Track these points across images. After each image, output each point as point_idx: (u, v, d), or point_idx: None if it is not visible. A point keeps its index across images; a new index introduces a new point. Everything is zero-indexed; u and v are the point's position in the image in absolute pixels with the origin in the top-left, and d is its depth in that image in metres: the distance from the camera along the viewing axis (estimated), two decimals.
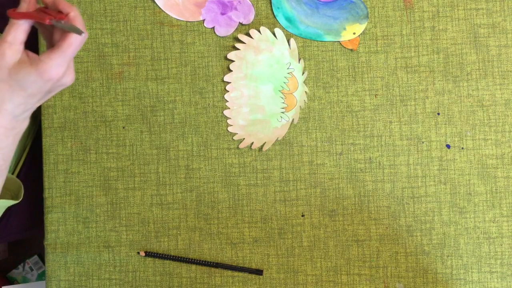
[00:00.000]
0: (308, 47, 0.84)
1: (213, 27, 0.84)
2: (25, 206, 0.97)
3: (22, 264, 1.58)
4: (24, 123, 0.59)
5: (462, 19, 0.84)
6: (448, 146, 0.83)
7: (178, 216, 0.84)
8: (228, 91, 0.84)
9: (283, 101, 0.83)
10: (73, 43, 0.55)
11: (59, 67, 0.55)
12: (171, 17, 0.84)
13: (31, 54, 0.56)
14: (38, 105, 0.58)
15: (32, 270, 1.57)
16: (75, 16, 0.56)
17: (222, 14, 0.84)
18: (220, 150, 0.84)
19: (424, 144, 0.83)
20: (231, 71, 0.84)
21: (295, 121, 0.83)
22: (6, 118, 0.56)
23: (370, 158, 0.83)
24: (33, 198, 0.94)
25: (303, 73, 0.84)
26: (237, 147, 0.84)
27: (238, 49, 0.84)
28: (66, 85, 0.58)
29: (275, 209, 0.83)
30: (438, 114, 0.83)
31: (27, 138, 0.93)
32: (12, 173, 0.92)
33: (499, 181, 0.83)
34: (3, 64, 0.54)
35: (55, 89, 0.58)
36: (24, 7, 0.55)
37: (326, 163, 0.83)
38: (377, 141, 0.83)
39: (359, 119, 0.84)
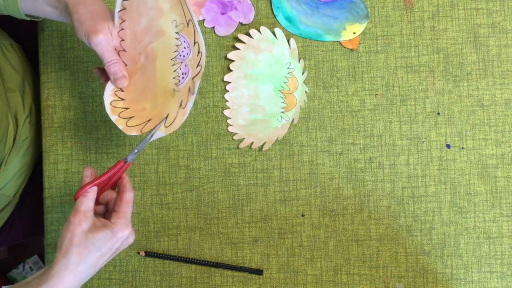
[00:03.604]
0: (308, 47, 0.84)
1: (213, 27, 0.84)
2: (28, 213, 0.97)
3: (22, 264, 1.58)
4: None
5: (462, 19, 0.84)
6: (448, 146, 0.83)
7: (178, 216, 0.84)
8: (228, 91, 0.84)
9: (283, 101, 0.83)
10: (129, 201, 0.66)
11: (127, 226, 0.64)
12: None
13: (101, 219, 0.64)
14: (102, 266, 0.65)
15: (32, 270, 1.57)
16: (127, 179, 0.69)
17: (222, 14, 0.84)
18: (220, 150, 0.84)
19: (424, 144, 0.83)
20: (231, 71, 0.84)
21: (295, 121, 0.83)
22: (75, 280, 0.62)
23: (370, 158, 0.83)
24: (35, 207, 0.94)
25: (303, 73, 0.84)
26: (237, 147, 0.84)
27: (238, 49, 0.84)
28: (129, 244, 0.66)
29: (275, 209, 0.83)
30: (438, 114, 0.83)
31: (33, 161, 0.93)
32: (17, 190, 0.93)
33: (499, 181, 0.83)
34: (80, 231, 0.62)
35: (119, 249, 0.65)
36: (88, 175, 0.66)
37: (326, 163, 0.83)
38: (377, 141, 0.83)
39: (359, 119, 0.84)
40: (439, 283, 0.82)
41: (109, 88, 0.72)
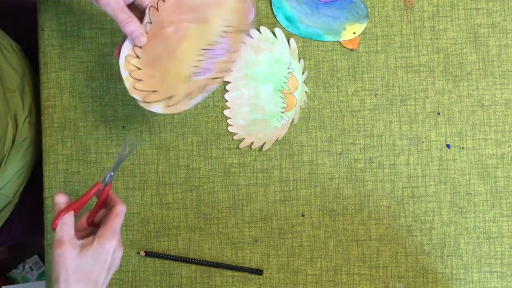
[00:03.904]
0: (308, 47, 0.84)
1: None
2: (28, 213, 0.97)
3: (22, 264, 1.58)
4: None
5: (462, 19, 0.84)
6: (448, 146, 0.83)
7: (178, 216, 0.84)
8: (228, 91, 0.84)
9: (283, 101, 0.83)
10: (119, 213, 0.64)
11: (113, 236, 0.62)
12: None
13: (87, 238, 0.63)
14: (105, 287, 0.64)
15: (32, 270, 1.57)
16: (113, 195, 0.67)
17: None
18: (220, 150, 0.84)
19: (424, 144, 0.83)
20: (231, 71, 0.83)
21: (295, 121, 0.83)
22: None
23: (370, 158, 0.83)
24: (35, 206, 0.94)
25: (303, 73, 0.84)
26: (237, 147, 0.84)
27: None
28: (119, 259, 0.64)
29: (275, 209, 0.83)
30: (438, 114, 0.83)
31: (33, 161, 0.93)
32: (18, 188, 0.92)
33: (499, 181, 0.83)
34: (72, 258, 0.60)
35: (112, 265, 0.63)
36: (62, 202, 0.64)
37: (326, 163, 0.83)
38: (377, 141, 0.83)
39: (359, 119, 0.84)
40: (439, 283, 0.82)
41: (128, 43, 0.71)
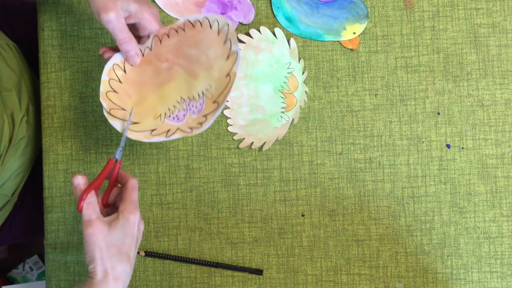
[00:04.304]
0: (308, 47, 0.84)
1: None
2: (27, 212, 0.97)
3: (22, 264, 1.58)
4: None
5: (462, 19, 0.84)
6: (448, 146, 0.83)
7: (178, 216, 0.84)
8: None
9: (283, 100, 0.83)
10: (133, 187, 0.65)
11: (135, 209, 0.64)
12: (171, 16, 0.84)
13: (112, 216, 0.64)
14: (134, 260, 0.65)
15: (32, 270, 1.57)
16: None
17: (222, 14, 0.84)
18: (220, 150, 0.84)
19: (424, 144, 0.83)
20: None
21: (295, 121, 0.83)
22: (119, 285, 0.63)
23: (370, 158, 0.83)
24: (35, 205, 0.94)
25: (303, 73, 0.84)
26: (237, 147, 0.84)
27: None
28: (142, 232, 0.66)
29: (275, 209, 0.83)
30: (438, 114, 0.83)
31: (31, 160, 0.93)
32: (18, 186, 0.92)
33: (499, 181, 0.83)
34: (103, 236, 0.62)
35: (139, 238, 0.66)
36: (81, 183, 0.65)
37: (326, 163, 0.83)
38: (377, 141, 0.83)
39: (359, 119, 0.84)
40: (439, 283, 0.82)
41: (120, 56, 0.73)
